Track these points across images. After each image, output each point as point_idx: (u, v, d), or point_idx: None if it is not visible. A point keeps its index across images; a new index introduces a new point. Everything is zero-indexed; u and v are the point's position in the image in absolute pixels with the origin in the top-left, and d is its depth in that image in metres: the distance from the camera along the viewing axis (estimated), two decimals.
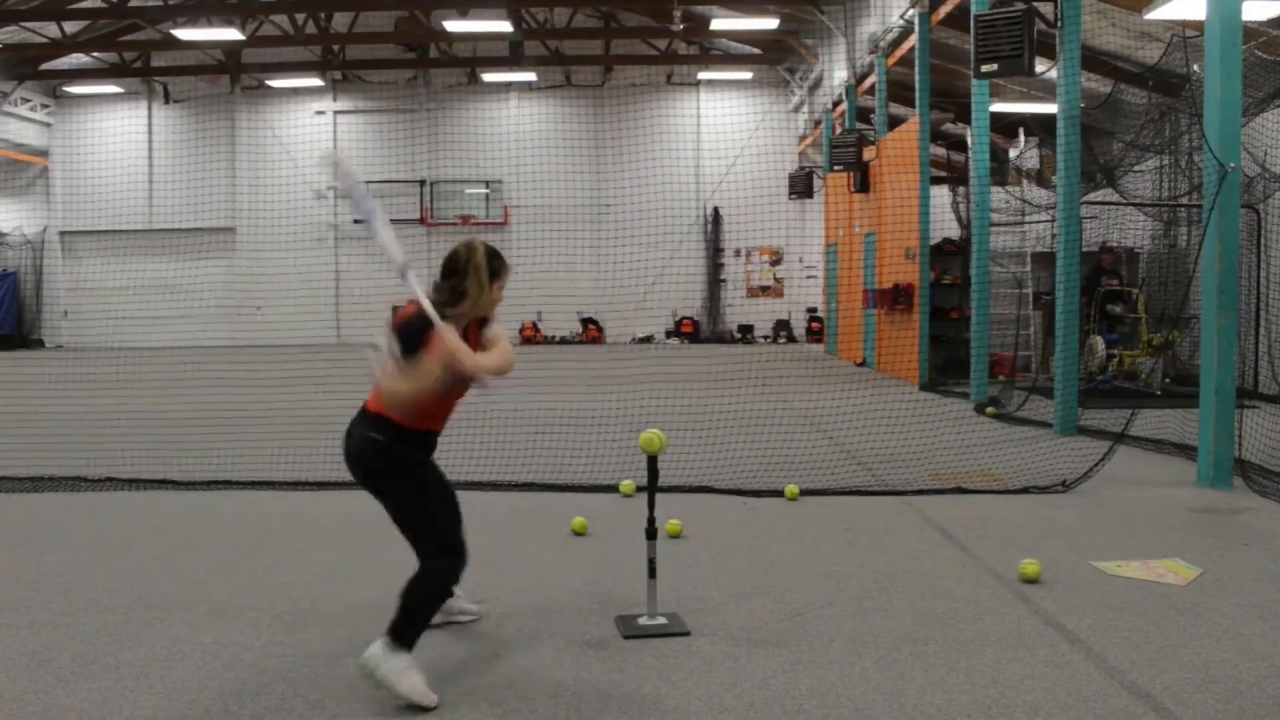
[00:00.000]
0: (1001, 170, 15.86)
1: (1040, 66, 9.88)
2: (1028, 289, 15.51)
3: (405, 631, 3.62)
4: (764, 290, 27.20)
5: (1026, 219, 15.41)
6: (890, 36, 16.28)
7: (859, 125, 19.66)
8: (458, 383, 3.78)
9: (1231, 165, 7.12)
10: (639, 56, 25.82)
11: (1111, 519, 6.37)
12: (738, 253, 27.17)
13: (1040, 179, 15.25)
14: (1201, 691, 3.66)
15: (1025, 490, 7.15)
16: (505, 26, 21.51)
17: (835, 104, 20.68)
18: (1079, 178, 10.07)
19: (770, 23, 21.13)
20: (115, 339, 24.22)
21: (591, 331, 26.69)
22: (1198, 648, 4.09)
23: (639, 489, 6.85)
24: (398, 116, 27.04)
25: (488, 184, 27.11)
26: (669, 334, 26.78)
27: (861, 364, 17.92)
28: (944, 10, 13.94)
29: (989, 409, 11.33)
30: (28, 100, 26.65)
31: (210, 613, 4.57)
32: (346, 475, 3.95)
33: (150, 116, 27.68)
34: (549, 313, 26.57)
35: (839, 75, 20.14)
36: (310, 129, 26.86)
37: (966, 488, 7.22)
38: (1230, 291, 7.21)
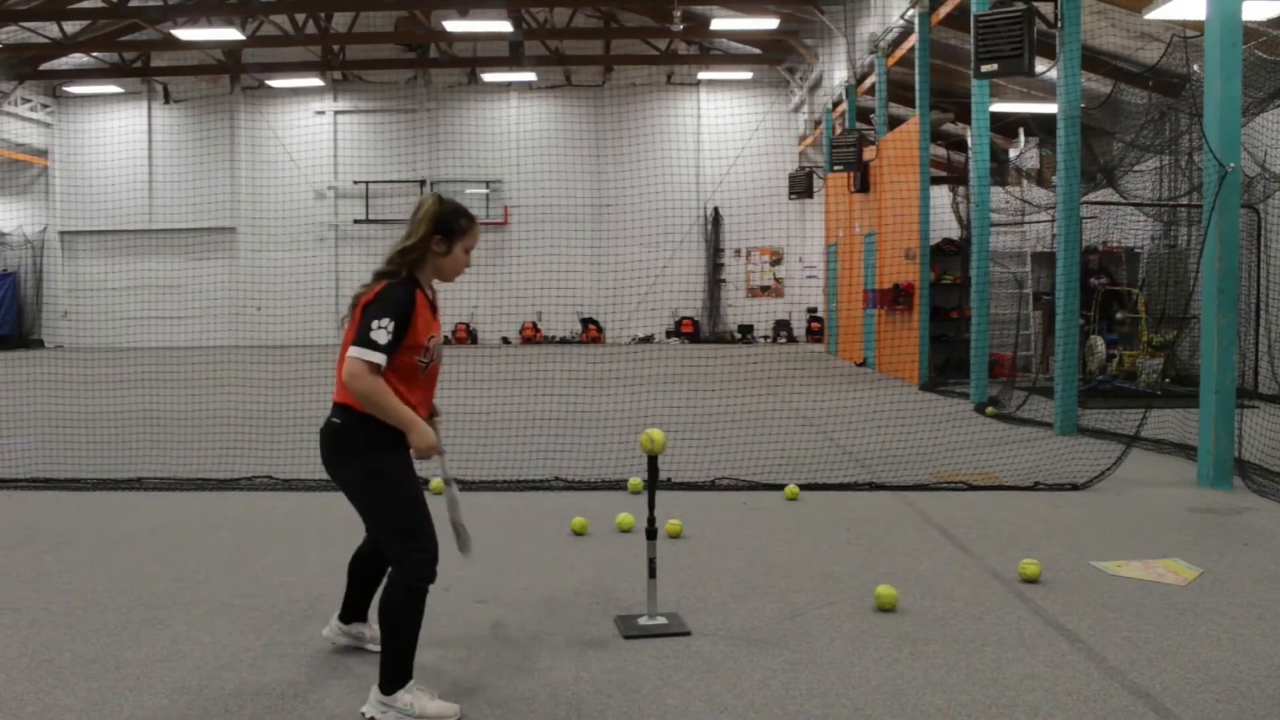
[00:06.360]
0: (1001, 170, 15.86)
1: (1040, 66, 9.88)
2: (1028, 289, 15.53)
3: (392, 671, 3.42)
4: (764, 290, 27.21)
5: (1026, 219, 15.42)
6: (890, 36, 16.29)
7: (859, 125, 19.67)
8: (425, 364, 3.57)
9: (1231, 165, 7.12)
10: (639, 56, 25.82)
11: (1111, 519, 6.36)
12: (738, 253, 27.17)
13: (1040, 179, 15.26)
14: (1201, 691, 3.66)
15: (1034, 487, 7.16)
16: (505, 26, 21.52)
17: (835, 104, 20.69)
18: (1079, 178, 10.07)
19: (770, 23, 21.14)
20: (115, 339, 24.24)
21: (591, 331, 26.68)
22: (1198, 648, 4.09)
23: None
24: (398, 116, 27.07)
25: (488, 184, 27.12)
26: (669, 334, 26.79)
27: (861, 364, 17.92)
28: (944, 10, 13.95)
29: (989, 409, 11.33)
30: (28, 100, 26.67)
31: (210, 613, 4.56)
32: None
33: (150, 116, 27.70)
34: (549, 313, 26.58)
35: (839, 75, 20.15)
36: (310, 129, 26.90)
37: (967, 487, 7.22)
38: (1230, 291, 7.21)
